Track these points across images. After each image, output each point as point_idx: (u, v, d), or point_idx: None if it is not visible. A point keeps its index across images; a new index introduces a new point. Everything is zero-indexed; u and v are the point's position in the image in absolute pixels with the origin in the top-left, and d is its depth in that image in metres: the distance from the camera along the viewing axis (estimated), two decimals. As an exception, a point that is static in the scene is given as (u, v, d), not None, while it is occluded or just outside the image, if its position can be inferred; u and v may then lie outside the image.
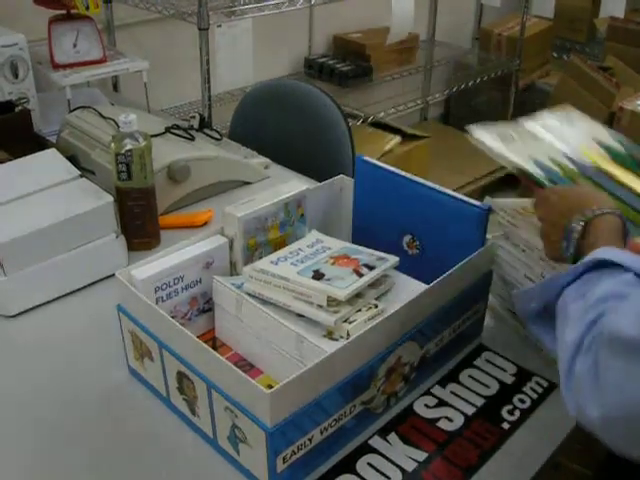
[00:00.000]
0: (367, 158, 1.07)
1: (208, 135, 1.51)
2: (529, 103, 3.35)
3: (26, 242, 1.06)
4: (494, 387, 0.94)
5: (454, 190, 0.98)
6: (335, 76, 2.74)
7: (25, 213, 1.11)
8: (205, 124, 1.53)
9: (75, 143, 1.40)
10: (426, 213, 1.00)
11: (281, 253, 0.96)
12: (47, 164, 1.24)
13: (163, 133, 1.41)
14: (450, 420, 0.89)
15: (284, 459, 0.76)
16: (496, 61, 3.31)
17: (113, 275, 0.91)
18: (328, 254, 0.95)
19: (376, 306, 0.89)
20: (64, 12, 1.73)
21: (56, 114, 1.59)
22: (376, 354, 0.84)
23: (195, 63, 1.86)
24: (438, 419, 0.89)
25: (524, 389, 0.94)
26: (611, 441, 0.67)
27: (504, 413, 0.90)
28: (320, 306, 0.86)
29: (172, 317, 0.85)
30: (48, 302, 1.10)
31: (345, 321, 0.86)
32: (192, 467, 0.83)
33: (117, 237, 1.17)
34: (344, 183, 1.15)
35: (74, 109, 1.51)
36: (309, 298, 0.87)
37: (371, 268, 0.91)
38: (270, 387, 0.72)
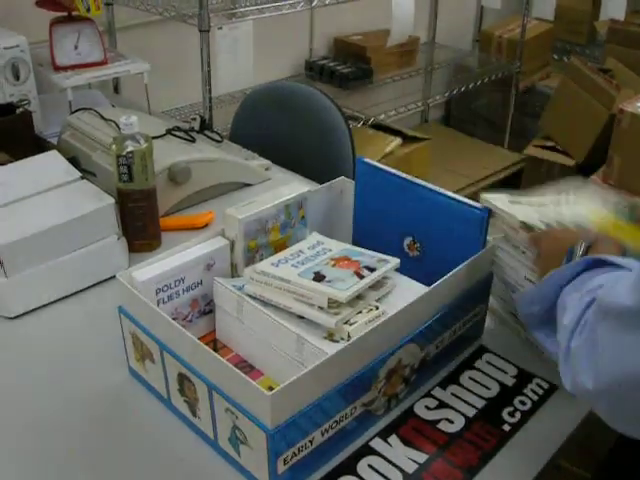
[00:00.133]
0: (368, 160, 1.07)
1: (209, 137, 1.51)
2: (529, 105, 3.36)
3: (27, 244, 1.06)
4: (495, 389, 0.94)
5: (455, 192, 0.98)
6: (336, 78, 2.74)
7: (26, 215, 1.11)
8: (206, 126, 1.53)
9: (76, 145, 1.40)
10: (427, 215, 1.00)
11: (282, 255, 0.96)
12: (48, 166, 1.24)
13: (164, 135, 1.41)
14: (451, 422, 0.89)
15: (285, 460, 0.76)
16: (496, 63, 3.31)
17: (114, 277, 0.91)
18: (329, 256, 0.95)
19: (377, 308, 0.89)
20: (65, 14, 1.73)
21: (57, 116, 1.59)
22: (377, 356, 0.84)
23: (196, 65, 1.86)
24: (439, 421, 0.89)
25: (525, 391, 0.94)
26: (604, 412, 0.69)
27: (505, 415, 0.90)
28: (321, 308, 0.86)
29: (173, 319, 0.85)
30: (49, 304, 1.10)
31: (346, 323, 0.86)
32: (193, 468, 0.83)
33: (118, 239, 1.17)
34: (345, 185, 1.15)
35: (75, 111, 1.51)
36: (310, 300, 0.87)
37: (372, 270, 0.91)
38: (271, 389, 0.72)
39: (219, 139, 1.52)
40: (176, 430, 0.87)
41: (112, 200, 1.16)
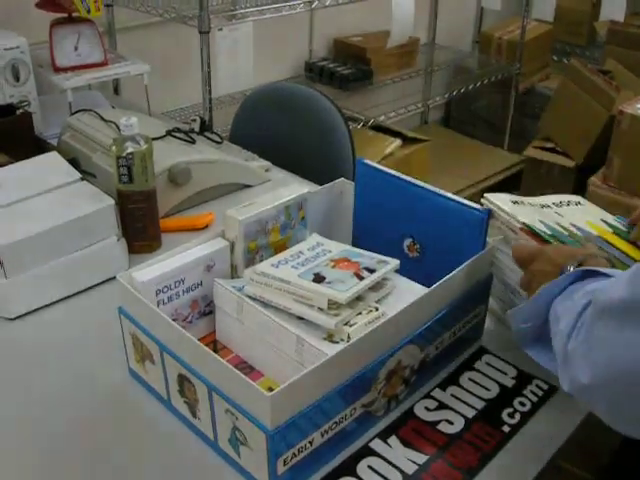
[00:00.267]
0: (368, 161, 1.08)
1: (209, 138, 1.51)
2: (529, 106, 3.36)
3: (27, 245, 1.06)
4: (494, 390, 0.94)
5: (454, 193, 0.98)
6: (336, 79, 2.74)
7: (26, 216, 1.11)
8: (206, 127, 1.54)
9: (76, 146, 1.40)
10: (427, 216, 1.00)
11: (282, 256, 0.96)
12: (48, 167, 1.24)
13: (164, 136, 1.41)
14: (450, 423, 0.89)
15: (285, 461, 0.76)
16: (496, 64, 3.32)
17: (114, 278, 0.91)
18: (329, 257, 0.95)
19: (377, 309, 0.89)
20: (65, 15, 1.74)
21: (57, 117, 1.59)
22: (377, 357, 0.84)
23: (196, 66, 1.87)
24: (438, 422, 0.89)
25: (524, 392, 0.94)
26: (604, 413, 0.69)
27: (504, 416, 0.90)
28: (321, 309, 0.86)
29: (173, 320, 0.85)
30: (49, 304, 1.10)
31: (346, 324, 0.86)
32: (193, 469, 0.83)
33: (118, 240, 1.17)
34: (345, 186, 1.15)
35: (75, 112, 1.51)
36: (310, 301, 0.87)
37: (372, 271, 0.91)
38: (271, 390, 0.72)
39: (219, 140, 1.53)
40: (176, 431, 0.87)
41: (112, 201, 1.16)
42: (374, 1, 2.37)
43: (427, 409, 0.91)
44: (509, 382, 0.96)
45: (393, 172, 1.05)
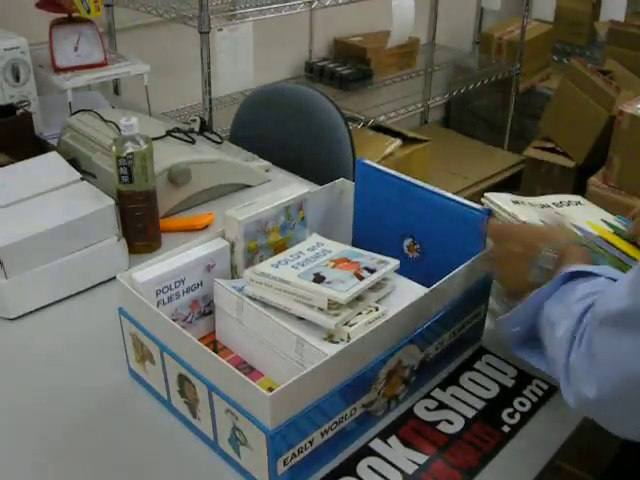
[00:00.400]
0: (368, 161, 1.08)
1: (209, 138, 1.51)
2: (529, 107, 3.36)
3: (27, 245, 1.06)
4: (494, 390, 0.94)
5: (455, 193, 0.98)
6: (336, 79, 2.74)
7: (26, 216, 1.11)
8: (206, 127, 1.54)
9: (76, 146, 1.40)
10: (427, 216, 1.00)
11: (282, 256, 0.96)
12: (48, 167, 1.24)
13: (164, 136, 1.41)
14: (450, 423, 0.89)
15: (285, 462, 0.76)
16: (496, 65, 3.32)
17: (114, 278, 0.91)
18: (329, 257, 0.95)
19: (377, 309, 0.89)
20: (65, 15, 1.74)
21: (57, 117, 1.59)
22: (377, 357, 0.84)
23: (196, 66, 1.87)
24: (438, 422, 0.89)
25: (524, 392, 0.94)
26: (608, 421, 0.69)
27: (504, 416, 0.90)
28: (321, 309, 0.86)
29: (173, 320, 0.85)
30: (49, 305, 1.10)
31: (346, 324, 0.86)
32: (193, 469, 0.83)
33: (118, 240, 1.17)
34: (345, 186, 1.15)
35: (75, 112, 1.51)
36: (310, 301, 0.87)
37: (372, 271, 0.91)
38: (271, 390, 0.72)
39: (219, 140, 1.53)
40: (176, 431, 0.88)
41: (112, 201, 1.16)
42: (374, 1, 2.37)
43: (427, 409, 0.91)
44: (509, 382, 0.96)
45: (393, 172, 1.05)
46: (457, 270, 0.91)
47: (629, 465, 1.04)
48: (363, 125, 2.70)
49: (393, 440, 0.86)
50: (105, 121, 1.43)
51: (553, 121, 3.10)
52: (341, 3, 2.26)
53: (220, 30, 1.91)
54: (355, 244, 1.07)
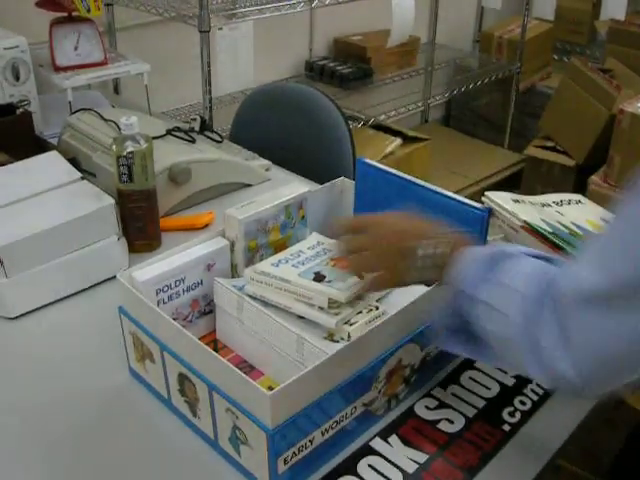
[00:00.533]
0: (368, 160, 1.07)
1: (209, 137, 1.51)
2: (530, 105, 3.36)
3: (27, 244, 1.06)
4: (495, 389, 0.94)
5: (455, 192, 0.98)
6: (336, 78, 2.74)
7: (26, 215, 1.11)
8: (206, 126, 1.53)
9: (76, 145, 1.40)
10: (427, 215, 1.00)
11: (282, 255, 0.96)
12: (48, 166, 1.24)
13: (164, 135, 1.41)
14: (451, 422, 0.89)
15: (285, 460, 0.76)
16: (497, 63, 3.31)
17: (114, 277, 0.91)
18: (329, 256, 0.95)
19: (377, 308, 0.89)
20: (65, 15, 1.73)
21: (57, 116, 1.59)
22: (377, 356, 0.84)
23: (196, 66, 1.86)
24: (439, 421, 0.89)
25: (525, 391, 0.94)
26: (594, 392, 0.69)
27: (505, 415, 0.90)
28: (321, 308, 0.86)
29: (173, 319, 0.85)
30: (49, 304, 1.10)
31: (346, 323, 0.86)
32: (193, 469, 0.83)
33: (118, 239, 1.17)
34: (345, 185, 1.15)
35: (75, 111, 1.51)
36: (310, 300, 0.87)
37: (372, 270, 0.91)
38: (271, 389, 0.72)
39: (219, 139, 1.53)
40: (176, 430, 0.87)
41: (112, 200, 1.16)
42: (374, 0, 2.37)
43: (427, 408, 0.91)
44: (509, 381, 0.96)
45: (393, 171, 1.05)
46: (457, 269, 0.91)
47: (630, 465, 1.04)
48: (363, 124, 2.70)
49: (393, 439, 0.86)
50: (105, 120, 1.43)
51: (553, 120, 3.10)
52: (341, 2, 2.25)
53: (220, 29, 1.91)
54: (355, 243, 1.07)
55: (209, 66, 1.85)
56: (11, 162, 1.27)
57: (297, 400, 0.75)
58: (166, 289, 0.92)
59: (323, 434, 0.80)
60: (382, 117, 2.79)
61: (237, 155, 1.50)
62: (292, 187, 1.05)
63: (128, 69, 1.79)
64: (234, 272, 1.00)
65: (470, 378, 0.96)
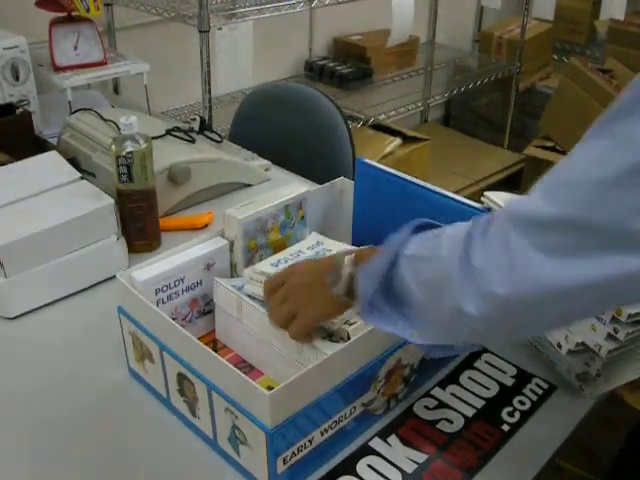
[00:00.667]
0: (367, 160, 1.07)
1: (209, 137, 1.51)
2: (529, 105, 3.36)
3: (27, 244, 1.06)
4: (494, 389, 0.94)
5: (454, 192, 0.98)
6: (335, 78, 2.74)
7: (26, 215, 1.11)
8: (206, 126, 1.53)
9: (76, 145, 1.40)
10: (427, 215, 1.00)
11: (281, 255, 0.96)
12: (48, 166, 1.24)
13: (164, 135, 1.41)
14: (450, 422, 0.89)
15: (284, 460, 0.76)
16: (496, 63, 3.31)
17: (114, 277, 0.91)
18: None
19: (376, 308, 0.89)
20: (65, 14, 1.74)
21: (57, 116, 1.60)
22: (376, 356, 0.84)
23: (196, 65, 1.86)
24: (438, 421, 0.89)
25: (524, 391, 0.94)
26: (510, 324, 0.65)
27: (504, 415, 0.90)
28: (320, 308, 0.86)
29: (173, 319, 0.85)
30: (49, 304, 1.10)
31: (345, 323, 0.86)
32: (192, 468, 0.83)
33: (118, 239, 1.17)
34: (344, 185, 1.15)
35: (75, 111, 1.51)
36: (309, 300, 0.87)
37: (371, 270, 0.91)
38: (270, 388, 0.72)
39: (219, 139, 1.53)
40: (176, 430, 0.88)
41: (112, 200, 1.16)
42: (374, 0, 2.37)
43: (427, 408, 0.91)
44: (509, 381, 0.96)
45: (393, 171, 1.05)
46: (457, 269, 0.91)
47: (630, 464, 1.04)
48: (363, 124, 2.70)
49: (393, 439, 0.86)
50: (105, 120, 1.43)
51: (553, 120, 3.10)
52: (341, 2, 2.25)
53: (220, 29, 1.91)
54: (355, 243, 1.07)
55: (209, 66, 1.85)
56: (11, 162, 1.27)
57: (296, 400, 0.75)
58: (165, 289, 0.92)
59: (322, 434, 0.80)
60: (382, 117, 2.79)
61: (237, 155, 1.50)
62: (292, 187, 1.05)
63: (128, 69, 1.79)
64: (233, 272, 1.00)
65: (469, 378, 0.96)
